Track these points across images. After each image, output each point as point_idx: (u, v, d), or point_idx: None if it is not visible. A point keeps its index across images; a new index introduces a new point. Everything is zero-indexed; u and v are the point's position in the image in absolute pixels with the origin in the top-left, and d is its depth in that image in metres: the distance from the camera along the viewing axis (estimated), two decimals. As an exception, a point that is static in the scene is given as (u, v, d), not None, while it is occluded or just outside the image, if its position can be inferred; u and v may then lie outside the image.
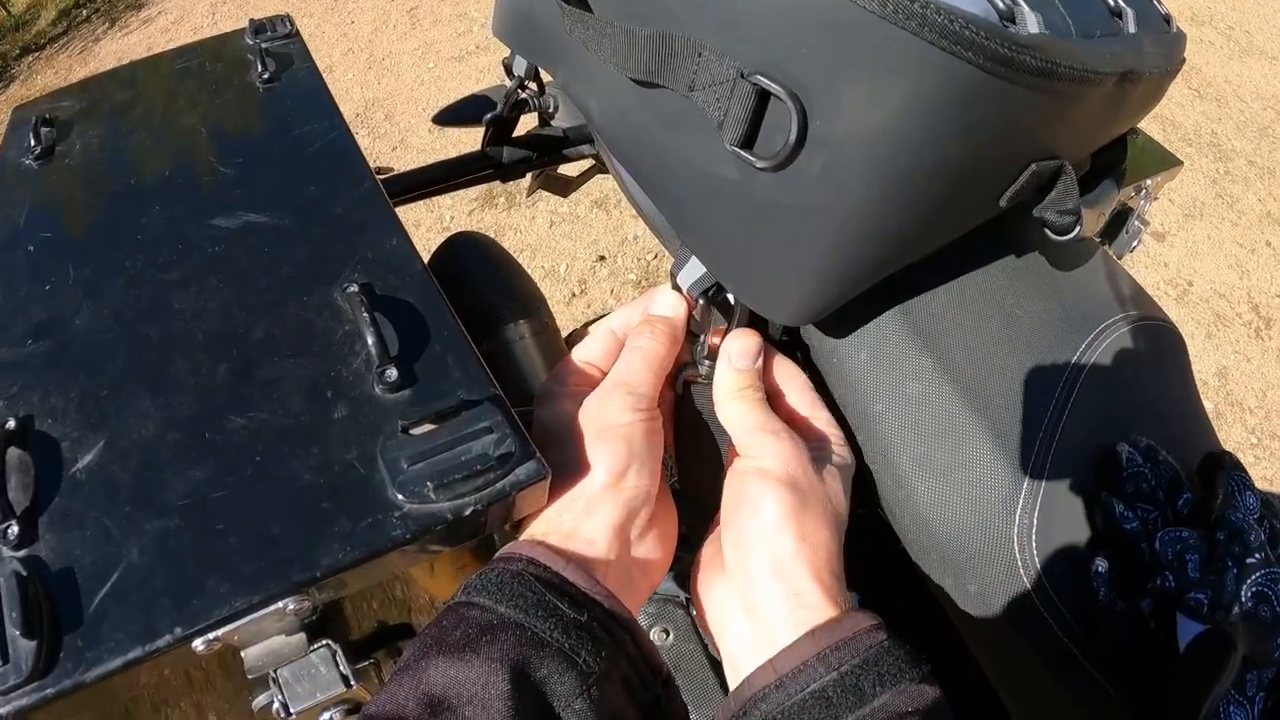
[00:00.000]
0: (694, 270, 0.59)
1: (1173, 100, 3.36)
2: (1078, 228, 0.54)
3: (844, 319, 0.61)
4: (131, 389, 0.50)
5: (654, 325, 0.57)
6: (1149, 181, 0.95)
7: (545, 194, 1.21)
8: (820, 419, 0.57)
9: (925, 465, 0.58)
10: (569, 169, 1.14)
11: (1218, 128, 3.33)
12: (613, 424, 0.49)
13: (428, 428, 0.47)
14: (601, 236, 2.80)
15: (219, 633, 0.41)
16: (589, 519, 0.46)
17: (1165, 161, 0.98)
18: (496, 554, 0.44)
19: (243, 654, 0.45)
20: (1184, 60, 0.62)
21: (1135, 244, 0.96)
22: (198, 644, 0.41)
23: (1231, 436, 2.40)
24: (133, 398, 0.50)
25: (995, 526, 0.56)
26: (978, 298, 0.62)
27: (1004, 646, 0.60)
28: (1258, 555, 0.57)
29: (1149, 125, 3.22)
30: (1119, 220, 0.95)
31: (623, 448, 0.48)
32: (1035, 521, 0.56)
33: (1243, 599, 0.56)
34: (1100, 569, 0.55)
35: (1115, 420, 0.61)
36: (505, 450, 0.45)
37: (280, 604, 0.42)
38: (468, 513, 0.44)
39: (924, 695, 0.40)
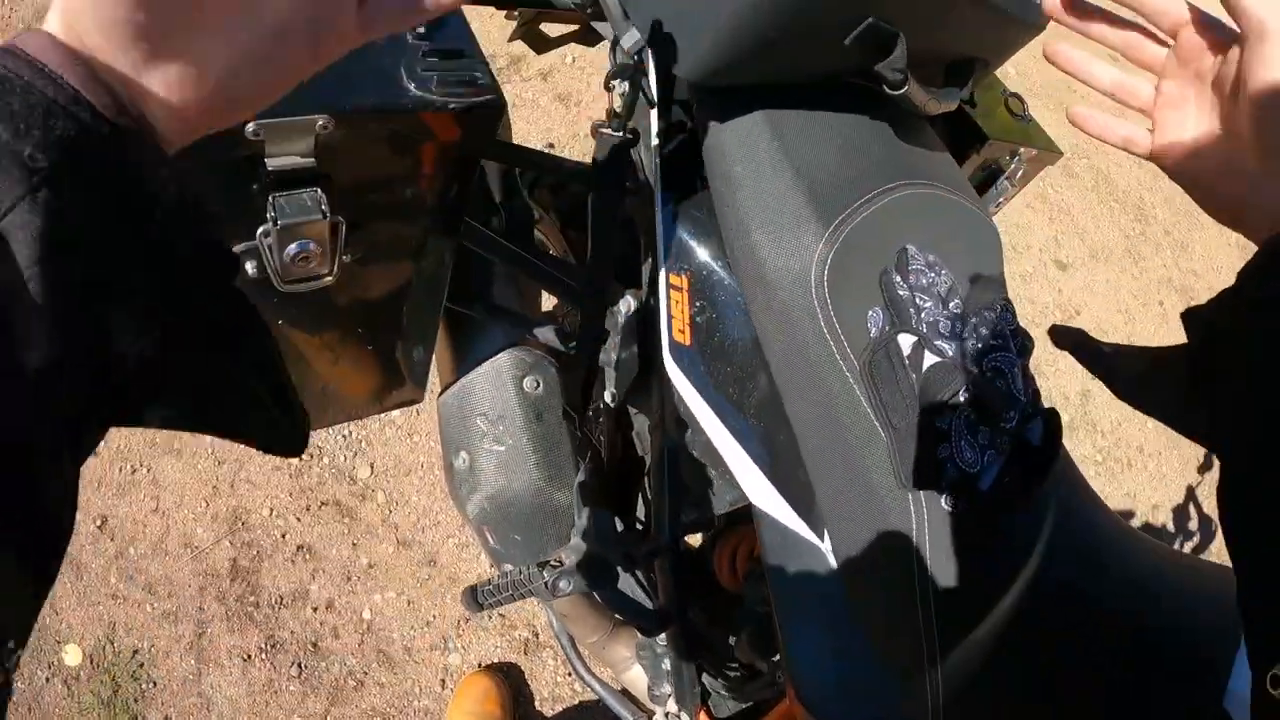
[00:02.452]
0: (631, 36, 0.77)
1: (1111, 159, 3.61)
2: (905, 87, 0.73)
3: (725, 111, 0.78)
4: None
5: None
6: (1024, 151, 1.11)
7: (516, 79, 1.33)
8: None
9: (761, 216, 0.75)
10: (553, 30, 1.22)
11: (1147, 195, 3.58)
12: None
13: (437, 60, 0.71)
14: (556, 127, 2.91)
15: (267, 121, 0.59)
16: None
17: (1046, 144, 1.14)
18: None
19: (267, 160, 0.63)
20: (1048, 21, 0.77)
21: (1000, 200, 1.16)
22: (250, 125, 0.59)
23: (1078, 450, 2.65)
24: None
25: (802, 270, 0.72)
26: (828, 122, 0.80)
27: (799, 378, 0.77)
28: (1000, 341, 0.76)
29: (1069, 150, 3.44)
30: (991, 178, 1.14)
31: None
32: (827, 273, 0.72)
33: (984, 366, 0.74)
34: (873, 314, 0.73)
35: (914, 234, 0.78)
36: (483, 83, 0.71)
37: (317, 116, 0.60)
38: (451, 106, 0.69)
39: None
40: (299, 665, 1.94)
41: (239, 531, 2.08)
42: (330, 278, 0.71)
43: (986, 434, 0.71)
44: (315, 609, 2.00)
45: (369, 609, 2.01)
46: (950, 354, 0.72)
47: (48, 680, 1.93)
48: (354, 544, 2.08)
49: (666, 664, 1.11)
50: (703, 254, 0.84)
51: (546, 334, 1.03)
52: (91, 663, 1.94)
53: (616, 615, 1.33)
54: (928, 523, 0.70)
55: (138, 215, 0.36)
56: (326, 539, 2.08)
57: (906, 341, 0.72)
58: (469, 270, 1.03)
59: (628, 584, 1.18)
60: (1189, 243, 3.50)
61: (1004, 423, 0.72)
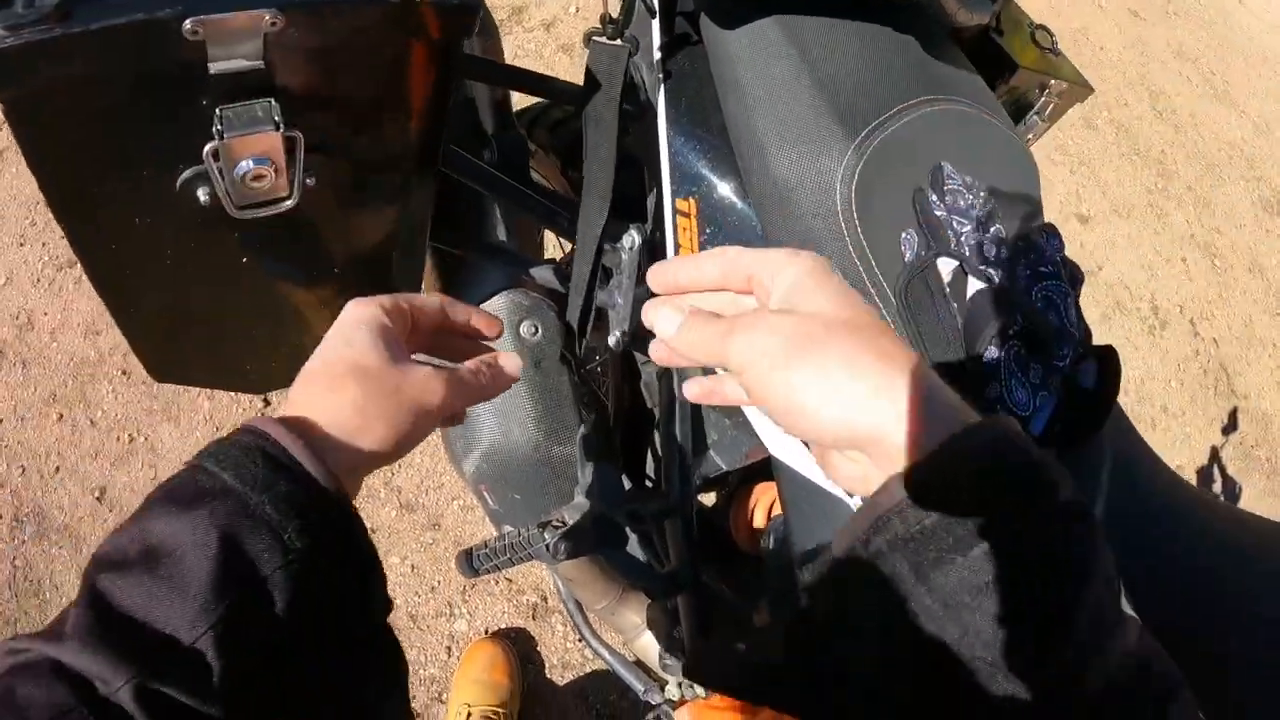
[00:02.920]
0: None
1: (1133, 113, 3.49)
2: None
3: (735, 18, 0.70)
4: None
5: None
6: (1054, 83, 1.03)
7: (518, 30, 1.25)
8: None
9: (779, 131, 0.66)
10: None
11: (1169, 150, 3.46)
12: (358, 315, 0.52)
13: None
14: (559, 78, 2.79)
15: (207, 18, 0.51)
16: (329, 396, 0.48)
17: (1076, 79, 1.06)
18: (241, 424, 0.46)
19: (210, 65, 0.54)
20: None
21: (1029, 136, 1.07)
22: (187, 24, 0.51)
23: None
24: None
25: (825, 188, 0.64)
26: (849, 30, 0.71)
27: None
28: (1051, 268, 0.67)
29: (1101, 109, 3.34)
30: (1020, 112, 1.06)
31: (364, 334, 0.50)
32: (854, 191, 0.64)
33: (1034, 296, 0.66)
34: (907, 236, 0.65)
35: (949, 152, 0.69)
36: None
37: (263, 11, 0.52)
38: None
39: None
40: (301, 634, 1.87)
41: (237, 497, 2.01)
42: (290, 201, 0.63)
43: (1039, 372, 0.63)
44: (316, 576, 1.93)
45: (372, 576, 1.94)
46: (997, 281, 0.63)
47: (45, 651, 1.88)
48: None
49: (679, 632, 1.04)
50: (712, 176, 0.75)
51: (545, 275, 0.94)
52: (90, 633, 1.88)
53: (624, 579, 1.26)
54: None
55: (362, 577, 0.46)
56: (327, 504, 2.01)
57: (946, 267, 0.63)
58: (458, 206, 0.94)
59: (636, 547, 1.11)
60: (1212, 200, 3.38)
61: (1057, 360, 0.64)
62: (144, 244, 0.65)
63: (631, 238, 0.84)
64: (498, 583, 1.95)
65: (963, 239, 0.65)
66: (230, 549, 0.40)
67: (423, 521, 2.01)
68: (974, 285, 0.62)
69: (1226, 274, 3.15)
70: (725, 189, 0.75)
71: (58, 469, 2.07)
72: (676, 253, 0.78)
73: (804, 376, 0.42)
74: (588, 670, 1.92)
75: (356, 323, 0.51)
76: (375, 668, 0.48)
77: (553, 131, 1.15)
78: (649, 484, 1.09)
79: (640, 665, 1.30)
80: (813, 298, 0.44)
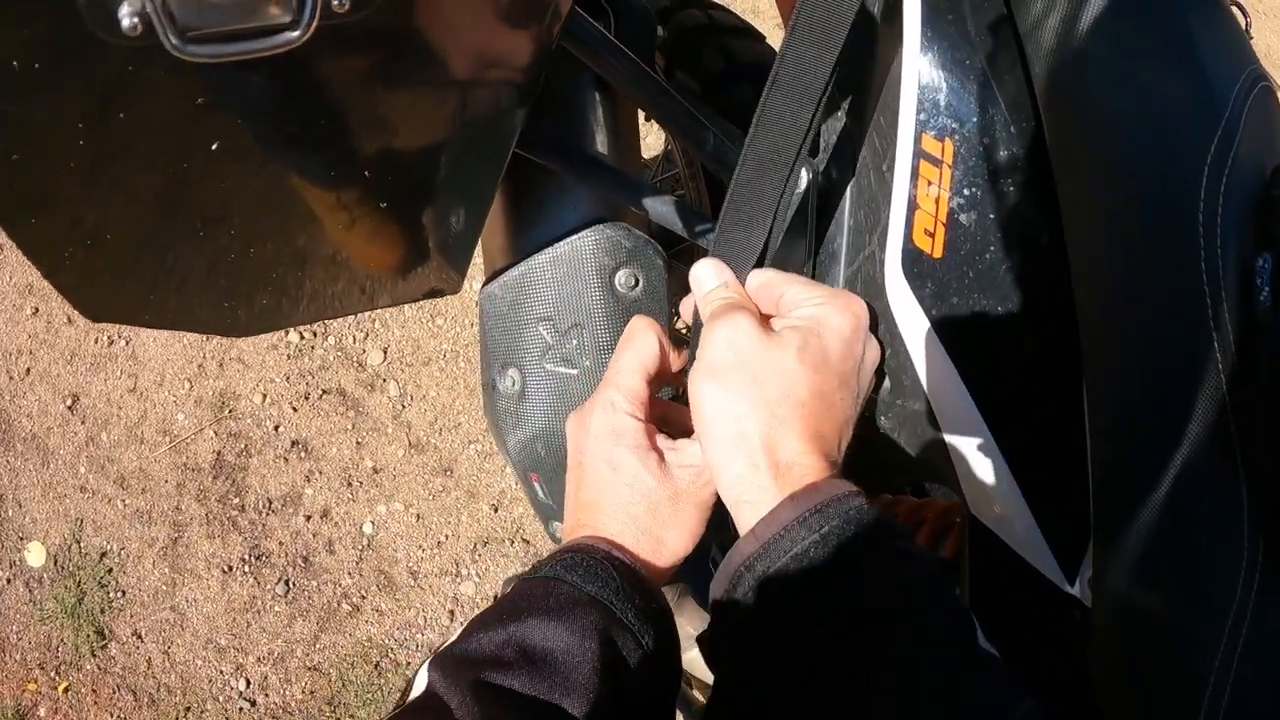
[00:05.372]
0: None
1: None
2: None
3: None
4: None
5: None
6: None
7: None
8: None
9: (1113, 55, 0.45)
10: None
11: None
12: (613, 428, 0.52)
13: None
14: None
15: None
16: (619, 525, 0.50)
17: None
18: (570, 543, 0.50)
19: None
20: None
21: None
22: None
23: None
24: None
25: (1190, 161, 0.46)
26: None
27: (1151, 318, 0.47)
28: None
29: None
30: None
31: (627, 456, 0.51)
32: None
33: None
34: (1264, 263, 0.46)
35: (1273, 150, 0.52)
36: None
37: None
38: None
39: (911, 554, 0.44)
40: (286, 582, 1.63)
41: (225, 420, 1.75)
42: (296, 32, 0.34)
43: None
44: (308, 517, 1.68)
45: (371, 521, 1.69)
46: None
47: (9, 581, 1.65)
48: (358, 443, 1.74)
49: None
50: (987, 110, 0.49)
51: (658, 207, 0.65)
52: (56, 564, 1.65)
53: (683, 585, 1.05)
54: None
55: (672, 678, 0.51)
56: (326, 435, 1.75)
57: None
58: (552, 102, 0.64)
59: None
60: None
61: None
62: (38, 112, 0.37)
63: (801, 176, 0.56)
64: (513, 543, 1.70)
65: None
66: (606, 649, 0.44)
67: (433, 465, 1.74)
68: None
69: None
70: (1009, 129, 0.48)
71: (28, 370, 1.80)
72: (909, 217, 0.50)
73: (713, 400, 0.47)
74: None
75: (614, 438, 0.51)
76: None
77: (661, 20, 0.86)
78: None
79: (687, 680, 1.07)
80: (800, 346, 0.46)
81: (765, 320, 0.49)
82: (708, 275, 0.51)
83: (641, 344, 0.53)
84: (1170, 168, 0.49)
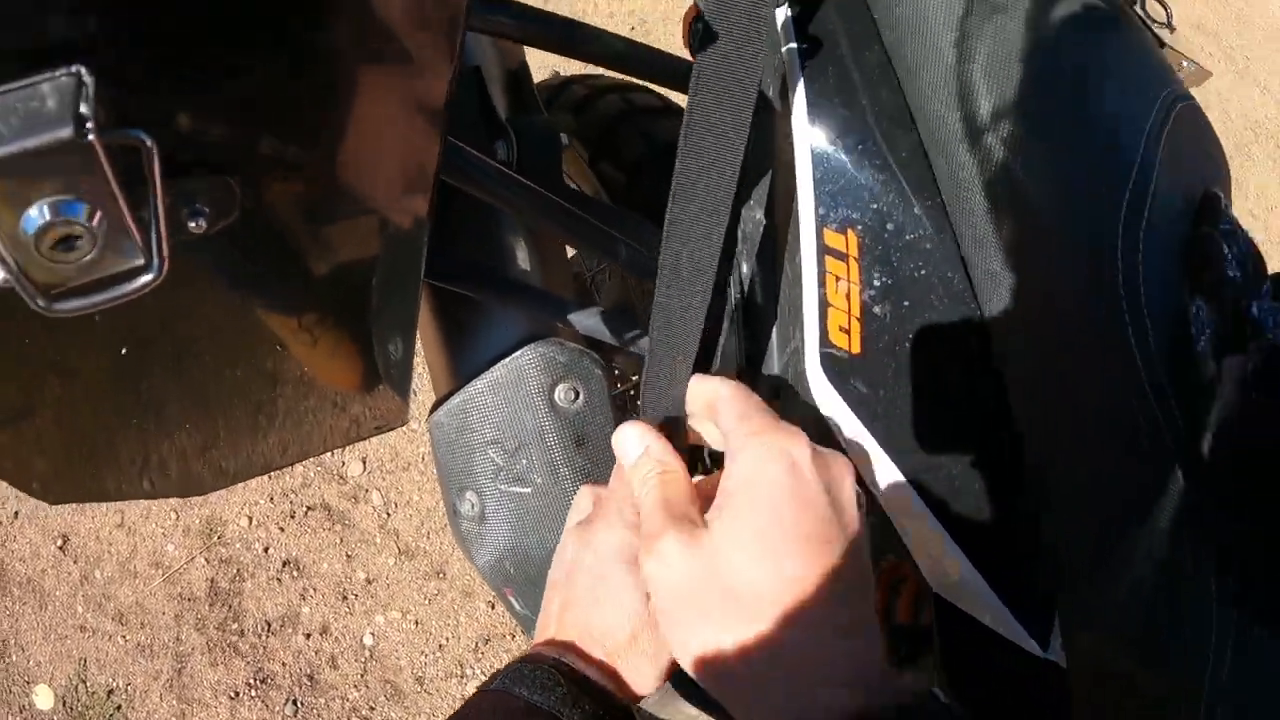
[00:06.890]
0: None
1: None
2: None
3: None
4: None
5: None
6: (1185, 64, 0.88)
7: None
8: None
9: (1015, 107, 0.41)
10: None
11: (1198, 128, 3.20)
12: (616, 547, 0.50)
13: None
14: (643, 5, 2.59)
15: None
16: (604, 625, 0.49)
17: (1198, 60, 0.91)
18: (523, 653, 0.49)
19: None
20: None
21: None
22: None
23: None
24: None
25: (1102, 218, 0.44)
26: None
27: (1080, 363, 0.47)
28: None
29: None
30: None
31: (622, 574, 0.49)
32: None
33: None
34: (1197, 310, 0.46)
35: (1199, 173, 0.54)
36: None
37: None
38: None
39: None
40: (294, 702, 1.59)
41: (215, 546, 1.73)
42: (149, 275, 0.33)
43: None
44: (308, 635, 1.65)
45: (371, 633, 1.66)
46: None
47: (17, 727, 1.60)
48: (348, 556, 1.72)
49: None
50: (887, 194, 0.48)
51: (584, 320, 0.64)
52: (65, 705, 1.61)
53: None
54: None
55: None
56: (316, 551, 1.72)
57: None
58: (465, 228, 0.64)
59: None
60: (1243, 180, 3.11)
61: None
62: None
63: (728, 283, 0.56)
64: (514, 637, 1.67)
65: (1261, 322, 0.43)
66: None
67: (425, 569, 1.72)
68: None
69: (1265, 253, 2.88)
70: (911, 210, 0.47)
71: (16, 514, 1.78)
72: (823, 316, 0.49)
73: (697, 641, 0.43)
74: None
75: (614, 558, 0.50)
76: None
77: (578, 113, 0.86)
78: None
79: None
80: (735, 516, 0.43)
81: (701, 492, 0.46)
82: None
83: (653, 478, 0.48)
84: (1082, 226, 0.48)
